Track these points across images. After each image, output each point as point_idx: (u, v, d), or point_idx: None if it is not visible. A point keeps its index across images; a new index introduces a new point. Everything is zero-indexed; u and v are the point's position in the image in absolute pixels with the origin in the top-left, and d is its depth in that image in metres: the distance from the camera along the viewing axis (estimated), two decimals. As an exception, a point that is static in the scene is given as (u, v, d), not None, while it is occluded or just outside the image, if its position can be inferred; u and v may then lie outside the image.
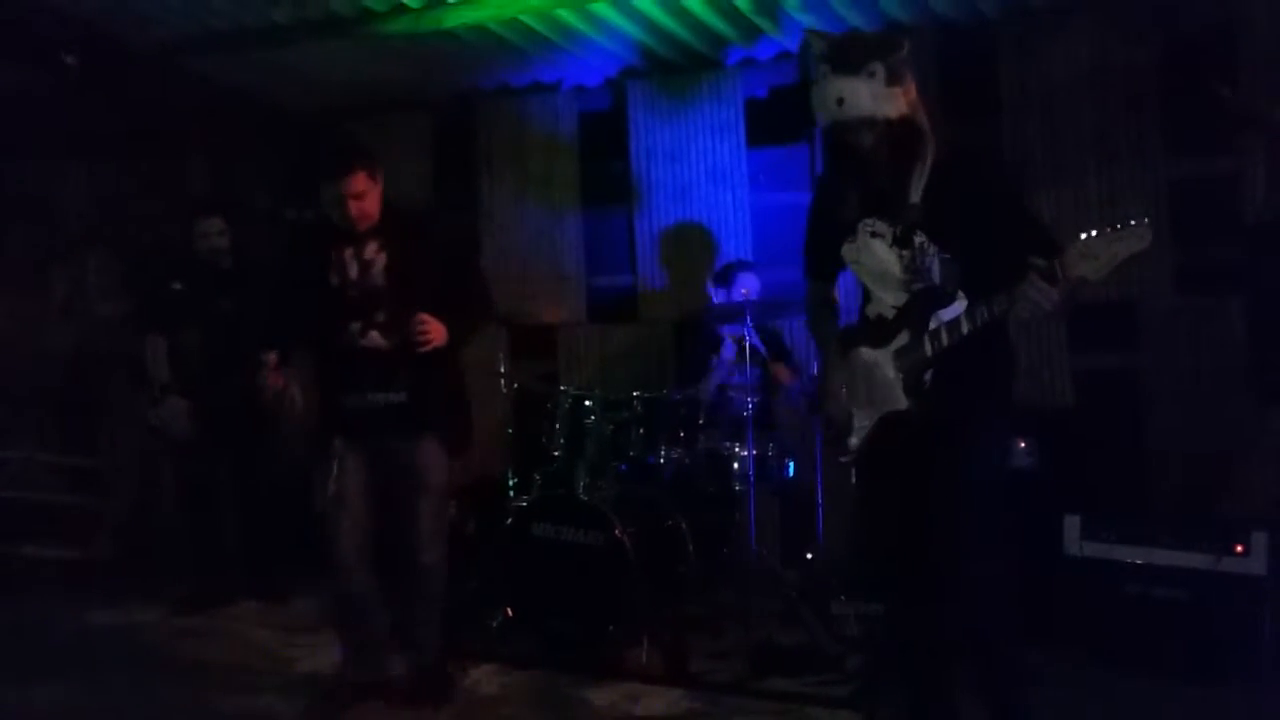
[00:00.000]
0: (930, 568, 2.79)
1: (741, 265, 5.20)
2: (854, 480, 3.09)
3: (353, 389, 3.60)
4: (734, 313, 4.70)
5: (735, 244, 5.74)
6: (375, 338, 3.55)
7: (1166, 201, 4.82)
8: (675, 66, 5.78)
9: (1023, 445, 4.31)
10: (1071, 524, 4.13)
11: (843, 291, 3.24)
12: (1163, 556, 3.94)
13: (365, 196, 3.52)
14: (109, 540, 5.80)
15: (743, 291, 4.81)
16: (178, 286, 5.02)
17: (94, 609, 4.97)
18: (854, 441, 2.92)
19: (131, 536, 5.82)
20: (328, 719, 3.62)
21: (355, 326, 3.56)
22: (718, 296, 5.15)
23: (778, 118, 5.71)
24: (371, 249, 3.58)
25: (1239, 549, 3.81)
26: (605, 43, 5.45)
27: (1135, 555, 4.00)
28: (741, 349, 4.59)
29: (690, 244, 5.85)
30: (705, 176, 5.83)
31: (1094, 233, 2.45)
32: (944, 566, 2.76)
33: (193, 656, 4.37)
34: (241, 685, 4.01)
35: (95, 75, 5.51)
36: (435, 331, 3.49)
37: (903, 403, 2.79)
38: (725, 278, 5.15)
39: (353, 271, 3.58)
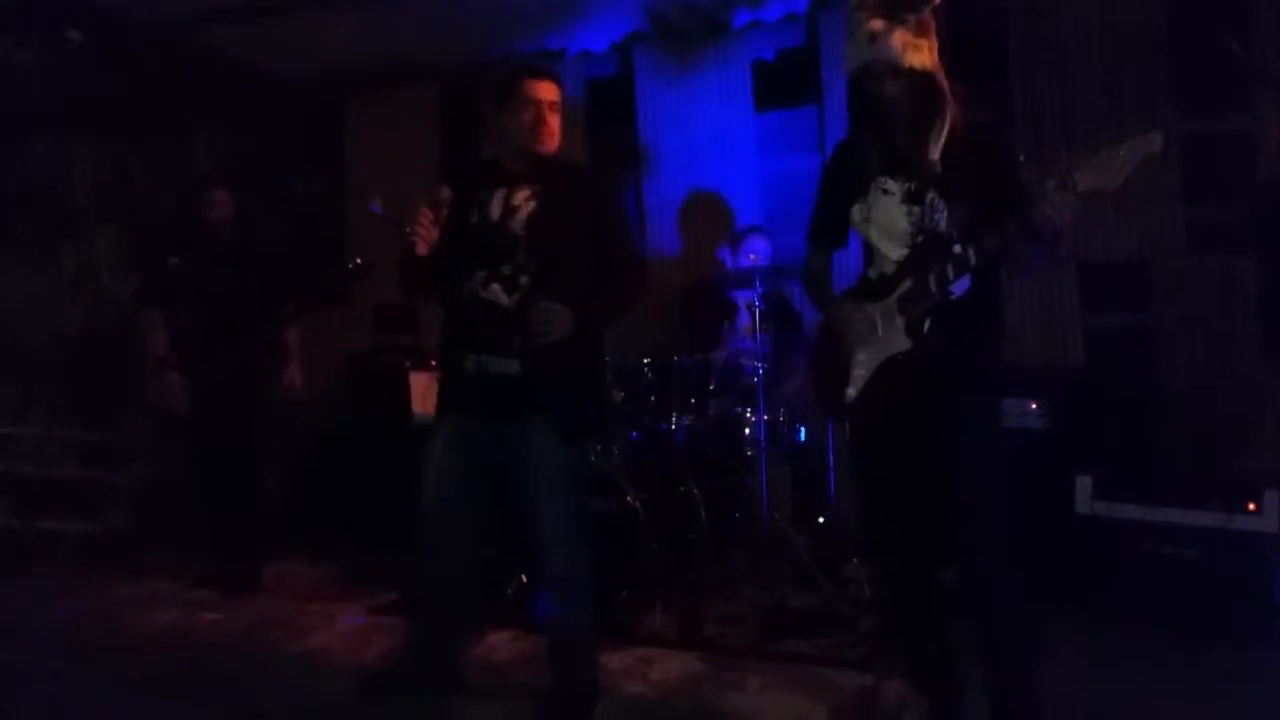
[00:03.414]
0: (925, 524, 2.79)
1: (752, 230, 5.19)
2: (848, 432, 3.06)
3: (466, 349, 3.21)
4: (746, 278, 4.70)
5: (744, 209, 5.71)
6: (497, 291, 3.14)
7: (1178, 159, 4.78)
8: (682, 30, 5.73)
9: (1034, 406, 4.30)
10: (1083, 483, 4.13)
11: (838, 268, 3.20)
12: (1175, 515, 3.94)
13: (557, 110, 3.21)
14: (126, 514, 5.84)
15: (751, 256, 4.81)
16: (175, 261, 4.95)
17: (113, 583, 5.01)
18: (851, 391, 2.89)
19: (149, 510, 5.86)
20: (375, 702, 3.40)
21: (479, 275, 3.17)
22: (729, 262, 5.14)
23: (786, 80, 5.67)
24: (522, 195, 3.19)
25: (1251, 507, 3.81)
26: (611, 6, 5.40)
27: (1147, 514, 3.99)
28: (754, 315, 4.59)
29: (699, 210, 5.83)
30: (713, 141, 5.81)
31: (1103, 150, 2.49)
32: (940, 523, 2.75)
33: (207, 626, 4.42)
34: (258, 657, 4.06)
35: (100, 49, 5.50)
36: (559, 324, 3.07)
37: (905, 344, 2.78)
38: (735, 242, 5.14)
39: (494, 213, 3.19)
